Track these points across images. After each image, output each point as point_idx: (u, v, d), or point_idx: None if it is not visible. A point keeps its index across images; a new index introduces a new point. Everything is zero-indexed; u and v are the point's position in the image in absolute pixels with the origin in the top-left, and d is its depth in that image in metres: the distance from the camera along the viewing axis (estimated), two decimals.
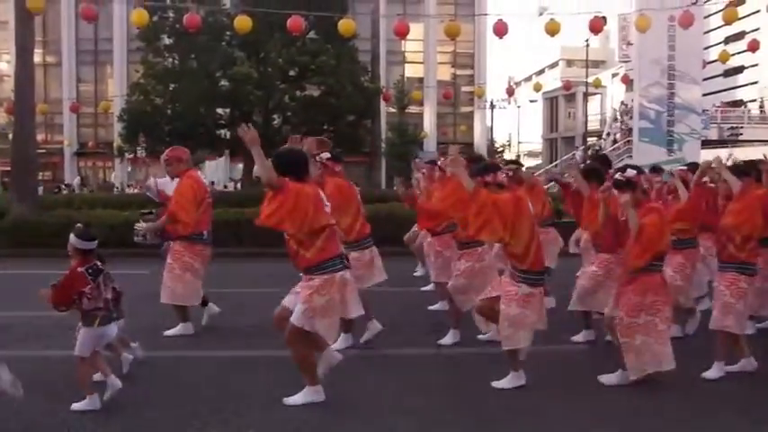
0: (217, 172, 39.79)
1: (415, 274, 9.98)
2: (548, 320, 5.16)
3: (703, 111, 27.07)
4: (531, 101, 51.66)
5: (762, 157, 6.17)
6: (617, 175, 5.20)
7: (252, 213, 7.44)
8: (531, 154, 64.66)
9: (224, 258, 10.81)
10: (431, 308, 7.67)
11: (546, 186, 8.78)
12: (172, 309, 6.67)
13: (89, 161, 46.48)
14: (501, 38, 13.84)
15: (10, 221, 13.68)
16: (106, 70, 46.05)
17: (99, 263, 4.61)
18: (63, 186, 35.82)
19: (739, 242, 5.36)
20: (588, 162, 11.34)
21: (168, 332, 6.62)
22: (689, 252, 6.44)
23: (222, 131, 25.60)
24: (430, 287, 8.03)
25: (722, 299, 5.34)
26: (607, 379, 5.15)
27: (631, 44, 32.92)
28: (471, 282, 6.08)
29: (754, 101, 43.56)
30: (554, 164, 40.82)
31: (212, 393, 4.92)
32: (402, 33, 14.68)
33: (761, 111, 41.11)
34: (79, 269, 4.51)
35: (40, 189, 20.38)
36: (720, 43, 41.92)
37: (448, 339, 6.31)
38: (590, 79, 34.61)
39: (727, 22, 15.69)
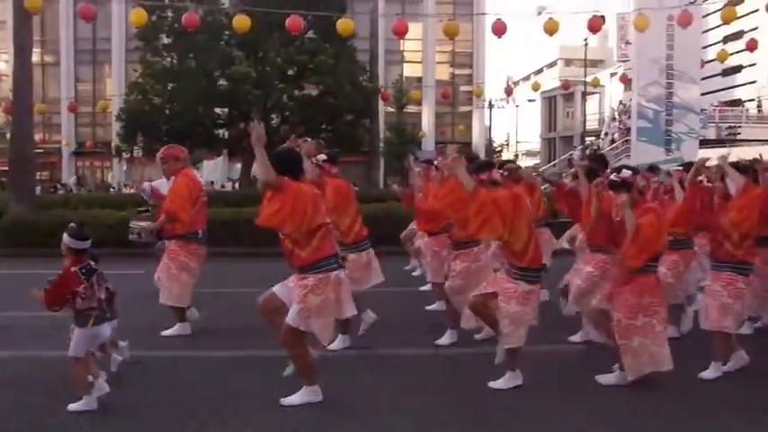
0: (215, 171, 39.70)
1: (414, 273, 9.99)
2: (544, 320, 5.16)
3: (701, 110, 27.11)
4: (530, 100, 51.71)
5: (757, 157, 6.17)
6: (612, 176, 5.17)
7: (250, 213, 7.44)
8: (529, 153, 64.58)
9: (222, 258, 10.83)
10: (428, 308, 7.67)
11: (543, 187, 8.78)
12: (169, 308, 6.67)
13: (87, 161, 46.35)
14: (499, 37, 13.86)
15: (8, 221, 13.67)
16: (104, 70, 45.91)
17: (92, 262, 4.60)
18: (59, 186, 35.71)
19: (737, 240, 5.34)
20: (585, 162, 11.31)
21: (165, 332, 6.61)
22: (685, 252, 6.44)
23: (220, 131, 25.59)
24: (428, 287, 8.03)
25: (720, 299, 5.29)
26: (605, 379, 5.14)
27: (630, 43, 32.88)
28: (468, 282, 6.05)
29: (752, 100, 43.58)
30: (552, 163, 40.80)
31: (210, 393, 4.92)
32: (401, 33, 14.70)
33: (759, 110, 41.15)
34: (72, 269, 4.50)
35: (38, 189, 20.35)
36: (719, 42, 41.86)
37: (445, 339, 6.30)
38: (588, 78, 34.65)
39: (726, 22, 15.68)
